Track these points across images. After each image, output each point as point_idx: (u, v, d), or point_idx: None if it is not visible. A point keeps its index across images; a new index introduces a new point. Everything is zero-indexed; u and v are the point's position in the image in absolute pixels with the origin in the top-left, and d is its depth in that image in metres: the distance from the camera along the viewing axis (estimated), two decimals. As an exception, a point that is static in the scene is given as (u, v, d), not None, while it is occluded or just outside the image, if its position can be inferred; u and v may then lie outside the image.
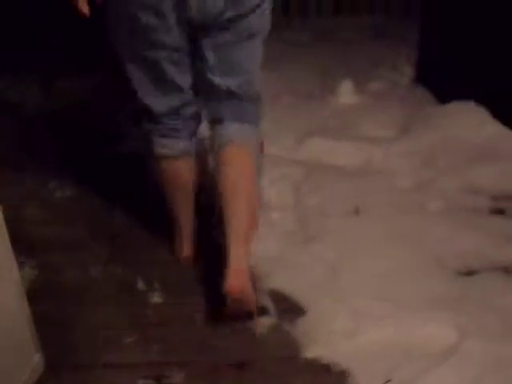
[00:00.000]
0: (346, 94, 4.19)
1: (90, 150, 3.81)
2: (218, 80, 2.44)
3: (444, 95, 4.14)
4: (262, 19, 2.40)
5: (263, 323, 2.61)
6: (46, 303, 2.62)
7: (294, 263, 2.84)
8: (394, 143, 3.70)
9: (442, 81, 4.28)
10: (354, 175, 3.46)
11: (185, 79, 2.48)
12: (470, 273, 2.78)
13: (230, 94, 2.48)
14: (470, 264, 2.81)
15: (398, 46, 5.03)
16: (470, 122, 3.73)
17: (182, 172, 2.68)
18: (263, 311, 2.66)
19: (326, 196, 3.26)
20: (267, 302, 2.70)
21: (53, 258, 2.97)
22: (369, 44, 5.17)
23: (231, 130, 2.52)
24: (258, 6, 2.33)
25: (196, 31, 2.35)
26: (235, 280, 2.37)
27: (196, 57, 2.43)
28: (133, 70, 2.44)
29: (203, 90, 2.52)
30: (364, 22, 5.68)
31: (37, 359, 2.31)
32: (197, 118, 2.64)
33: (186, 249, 2.95)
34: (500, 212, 3.23)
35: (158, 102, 2.50)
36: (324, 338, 2.45)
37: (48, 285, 2.81)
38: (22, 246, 2.55)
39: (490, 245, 2.91)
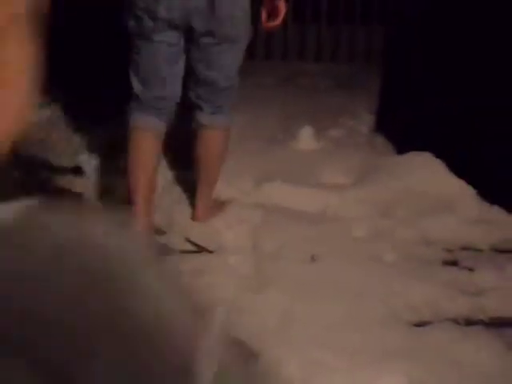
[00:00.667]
0: (307, 139, 4.22)
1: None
2: (203, 72, 3.10)
3: (402, 145, 4.21)
4: (237, 29, 3.01)
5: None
6: None
7: (248, 309, 2.82)
8: (351, 191, 3.74)
9: (401, 131, 4.35)
10: (312, 221, 3.47)
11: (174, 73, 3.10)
12: (423, 324, 2.80)
13: (211, 83, 3.13)
14: (423, 315, 2.84)
15: (359, 94, 5.10)
16: (425, 172, 3.79)
17: (149, 145, 3.17)
18: (215, 356, 2.63)
19: (283, 241, 3.26)
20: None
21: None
22: (331, 91, 5.23)
23: (208, 118, 3.24)
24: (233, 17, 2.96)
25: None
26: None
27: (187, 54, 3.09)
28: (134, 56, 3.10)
29: (190, 79, 3.17)
30: (327, 68, 5.76)
31: None
32: (175, 106, 3.20)
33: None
34: (453, 263, 3.27)
35: (145, 92, 3.09)
36: (275, 386, 2.42)
37: None
38: None
39: (443, 296, 2.94)
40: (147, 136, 3.12)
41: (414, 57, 4.59)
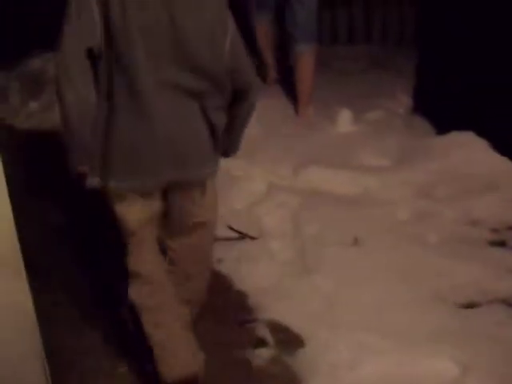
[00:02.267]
0: (344, 123, 4.19)
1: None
2: None
3: (442, 125, 4.15)
4: None
5: (261, 355, 2.58)
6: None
7: (292, 294, 2.81)
8: (392, 173, 3.70)
9: (441, 111, 4.29)
10: (352, 205, 3.44)
11: None
12: (470, 305, 2.76)
13: None
14: (469, 297, 2.80)
15: (395, 75, 5.04)
16: (468, 152, 3.73)
17: None
18: (261, 343, 2.63)
19: (324, 225, 3.24)
20: (265, 334, 2.67)
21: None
22: (365, 73, 5.18)
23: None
24: None
25: None
26: None
27: None
28: None
29: None
30: (360, 51, 5.70)
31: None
32: None
33: None
34: (500, 243, 3.21)
35: None
36: (325, 369, 2.42)
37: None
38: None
39: (490, 277, 2.89)
40: None
41: (447, 37, 4.51)
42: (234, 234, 3.30)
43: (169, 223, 2.35)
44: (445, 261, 2.98)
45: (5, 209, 2.08)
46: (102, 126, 2.11)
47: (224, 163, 3.66)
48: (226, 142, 2.37)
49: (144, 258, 2.32)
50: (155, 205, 2.25)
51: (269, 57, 4.80)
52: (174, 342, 2.30)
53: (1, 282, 2.10)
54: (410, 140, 4.01)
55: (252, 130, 4.07)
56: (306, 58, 4.34)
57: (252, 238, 3.25)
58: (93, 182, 2.18)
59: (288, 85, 4.74)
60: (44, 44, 2.37)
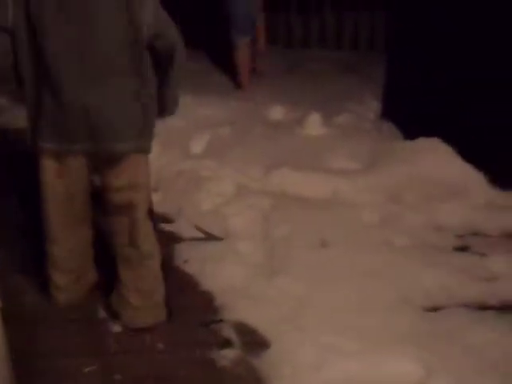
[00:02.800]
0: (314, 126, 4.21)
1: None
2: None
3: (410, 131, 4.19)
4: None
5: (226, 355, 2.56)
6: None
7: (260, 295, 2.81)
8: (360, 176, 3.72)
9: (408, 116, 4.33)
10: (321, 207, 3.46)
11: None
12: (435, 309, 2.79)
13: None
14: (435, 300, 2.82)
15: (364, 80, 5.09)
16: (435, 158, 3.77)
17: None
18: (227, 343, 2.62)
19: (293, 227, 3.24)
20: (231, 334, 2.66)
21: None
22: (336, 77, 5.21)
23: None
24: None
25: None
26: None
27: None
28: None
29: None
30: (331, 55, 5.75)
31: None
32: None
33: None
34: (464, 249, 3.25)
35: None
36: (289, 371, 2.42)
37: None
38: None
39: (455, 281, 2.93)
40: None
41: (417, 42, 4.55)
42: (200, 235, 3.29)
43: None
44: (411, 264, 3.00)
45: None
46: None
47: (193, 164, 3.71)
48: (160, 101, 2.52)
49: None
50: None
51: (246, 72, 4.89)
52: None
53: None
54: (379, 144, 4.05)
55: (222, 131, 4.10)
56: None
57: (219, 239, 3.24)
58: None
59: (258, 89, 4.79)
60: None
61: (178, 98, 2.63)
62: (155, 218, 2.73)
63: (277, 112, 4.42)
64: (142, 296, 2.64)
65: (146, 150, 2.53)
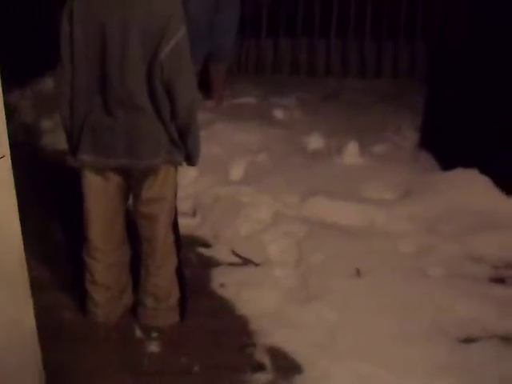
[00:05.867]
0: (352, 154, 4.23)
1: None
2: None
3: (447, 161, 4.19)
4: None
5: (259, 379, 2.60)
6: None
7: (294, 321, 2.84)
8: (397, 206, 3.73)
9: (446, 147, 4.33)
10: (357, 236, 3.48)
11: None
12: (470, 340, 2.78)
13: None
14: (470, 332, 2.82)
15: (403, 109, 5.10)
16: (473, 189, 3.76)
17: None
18: (260, 367, 2.65)
19: (328, 255, 3.27)
20: (264, 359, 2.69)
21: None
22: (374, 107, 5.24)
23: None
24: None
25: None
26: None
27: None
28: None
29: None
30: (370, 84, 5.77)
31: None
32: None
33: None
34: (500, 280, 3.24)
35: None
36: (321, 399, 2.44)
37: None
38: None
39: (490, 313, 2.92)
40: None
41: (457, 73, 4.57)
42: (237, 260, 3.34)
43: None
44: (446, 295, 3.01)
45: (14, 228, 2.12)
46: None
47: (231, 189, 3.77)
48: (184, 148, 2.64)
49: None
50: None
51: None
52: None
53: (6, 300, 2.13)
54: (416, 175, 4.05)
55: (259, 158, 4.16)
56: None
57: (255, 265, 3.28)
58: None
59: (292, 119, 4.87)
60: (56, 64, 2.54)
61: (198, 148, 2.69)
62: (179, 230, 2.85)
63: (314, 140, 4.45)
64: (157, 300, 2.83)
65: (177, 163, 2.67)
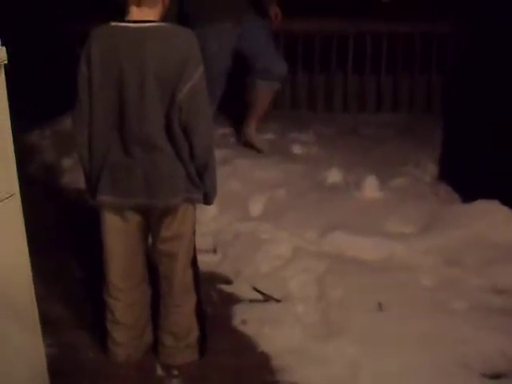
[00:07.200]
0: (370, 189, 4.23)
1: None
2: None
3: (467, 193, 4.17)
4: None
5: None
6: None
7: (316, 357, 2.81)
8: (417, 240, 3.71)
9: (466, 179, 4.32)
10: (377, 270, 3.45)
11: None
12: (496, 375, 2.73)
13: None
14: (495, 366, 2.77)
15: (421, 143, 5.10)
16: (494, 221, 3.73)
17: None
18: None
19: (349, 290, 3.25)
20: (288, 396, 2.66)
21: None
22: (392, 141, 5.25)
23: None
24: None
25: None
26: None
27: None
28: None
29: None
30: (387, 119, 5.79)
31: None
32: None
33: None
34: (524, 313, 3.19)
35: None
36: None
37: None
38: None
39: (517, 347, 2.87)
40: None
41: (475, 105, 4.58)
42: (258, 296, 3.33)
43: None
44: (470, 329, 2.96)
45: (24, 263, 2.13)
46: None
47: (250, 226, 3.78)
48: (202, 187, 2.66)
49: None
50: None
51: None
52: None
53: (17, 336, 2.13)
54: (436, 207, 4.04)
55: (279, 194, 4.17)
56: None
57: (277, 301, 3.27)
58: None
59: (310, 154, 4.87)
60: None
61: (215, 187, 2.70)
62: (198, 267, 2.85)
63: (332, 175, 4.46)
64: (176, 338, 2.82)
65: (196, 201, 2.68)
